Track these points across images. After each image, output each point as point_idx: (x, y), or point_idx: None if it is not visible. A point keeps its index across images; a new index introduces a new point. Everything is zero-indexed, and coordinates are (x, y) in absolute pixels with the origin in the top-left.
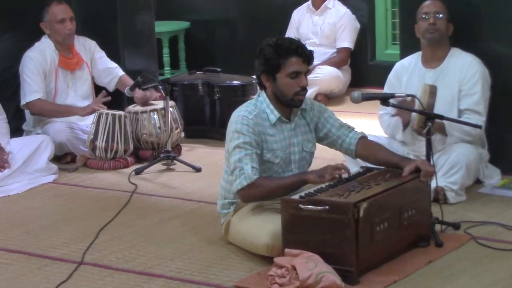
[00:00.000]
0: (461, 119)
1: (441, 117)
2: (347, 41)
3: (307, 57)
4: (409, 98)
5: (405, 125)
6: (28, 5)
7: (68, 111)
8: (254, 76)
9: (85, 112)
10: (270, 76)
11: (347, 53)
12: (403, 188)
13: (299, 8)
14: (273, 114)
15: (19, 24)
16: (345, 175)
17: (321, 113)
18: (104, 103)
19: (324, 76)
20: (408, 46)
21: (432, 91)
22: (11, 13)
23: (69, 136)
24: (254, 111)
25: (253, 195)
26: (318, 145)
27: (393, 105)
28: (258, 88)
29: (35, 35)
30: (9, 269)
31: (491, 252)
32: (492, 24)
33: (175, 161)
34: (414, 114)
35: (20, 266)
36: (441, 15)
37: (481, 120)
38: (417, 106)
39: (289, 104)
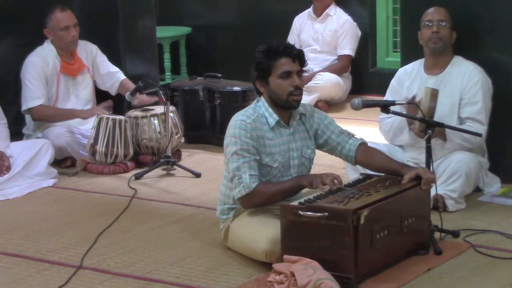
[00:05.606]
0: (462, 127)
1: (442, 125)
2: (348, 48)
3: (297, 56)
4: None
5: (409, 125)
6: (29, 9)
7: (69, 113)
8: None
9: (86, 115)
10: (263, 81)
11: (348, 60)
12: (404, 195)
13: (301, 14)
14: (272, 117)
15: (20, 28)
16: (335, 188)
17: (321, 119)
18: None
19: (325, 83)
20: (409, 53)
21: (434, 94)
22: (12, 17)
23: (69, 140)
24: (252, 115)
25: (253, 203)
26: (317, 152)
27: (394, 112)
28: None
29: (36, 39)
30: (8, 273)
31: (490, 260)
32: (495, 33)
33: (175, 166)
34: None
35: (19, 270)
36: (444, 23)
37: (482, 129)
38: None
39: (285, 106)
